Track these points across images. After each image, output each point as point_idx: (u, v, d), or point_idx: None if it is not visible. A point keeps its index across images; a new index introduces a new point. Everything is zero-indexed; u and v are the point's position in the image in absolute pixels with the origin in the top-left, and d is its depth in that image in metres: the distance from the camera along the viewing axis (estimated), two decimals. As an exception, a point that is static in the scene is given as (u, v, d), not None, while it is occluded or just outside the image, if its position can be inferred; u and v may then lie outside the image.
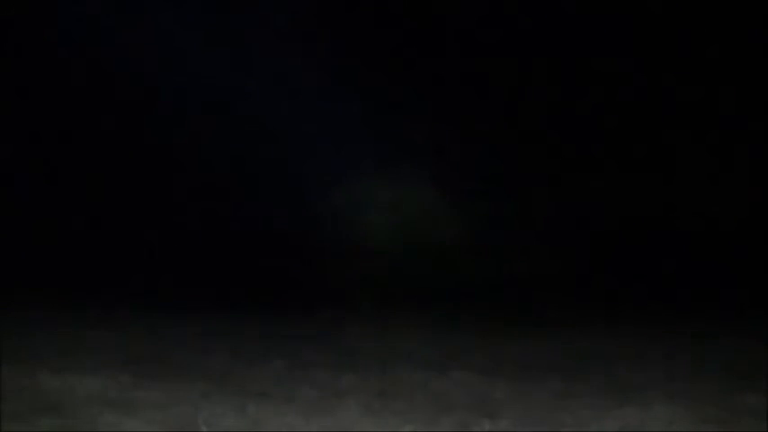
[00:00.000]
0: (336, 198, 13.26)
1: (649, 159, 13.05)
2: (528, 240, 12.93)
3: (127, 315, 8.02)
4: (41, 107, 12.67)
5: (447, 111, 12.88)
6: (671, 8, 12.02)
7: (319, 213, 13.26)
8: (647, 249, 12.55)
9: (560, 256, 12.64)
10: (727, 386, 4.88)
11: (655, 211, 12.79)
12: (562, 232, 12.91)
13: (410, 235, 13.02)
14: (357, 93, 12.48)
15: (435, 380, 4.99)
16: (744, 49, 12.03)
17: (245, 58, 12.66)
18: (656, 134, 13.01)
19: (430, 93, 12.74)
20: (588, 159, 13.10)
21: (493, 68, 12.72)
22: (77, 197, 12.64)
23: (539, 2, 12.73)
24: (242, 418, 3.88)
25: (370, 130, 12.53)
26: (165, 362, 5.37)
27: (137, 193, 12.86)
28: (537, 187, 13.23)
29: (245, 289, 11.45)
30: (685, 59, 12.29)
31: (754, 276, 11.16)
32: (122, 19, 12.20)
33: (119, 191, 12.85)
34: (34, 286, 10.15)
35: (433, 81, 12.76)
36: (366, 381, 4.89)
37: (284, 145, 12.80)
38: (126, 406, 4.03)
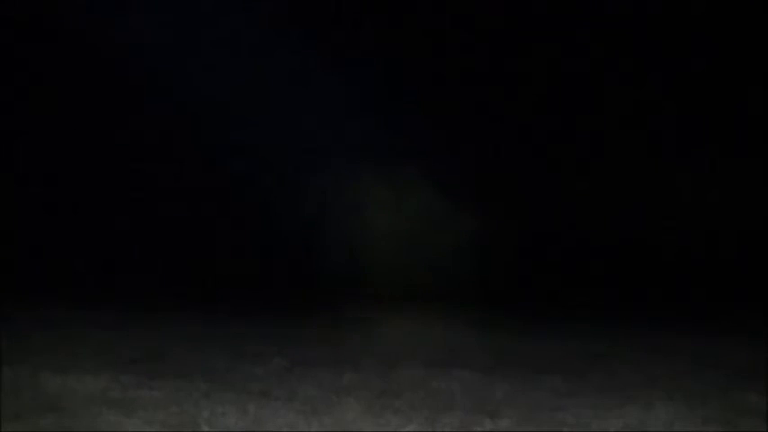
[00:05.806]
0: (335, 197, 13.25)
1: (648, 162, 13.05)
2: (527, 241, 12.94)
3: (127, 315, 8.01)
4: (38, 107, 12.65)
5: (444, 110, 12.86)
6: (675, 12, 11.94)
7: (318, 213, 13.25)
8: (645, 249, 12.55)
9: (560, 257, 12.64)
10: (728, 385, 4.88)
11: (653, 212, 12.80)
12: (560, 234, 12.91)
13: (409, 234, 13.02)
14: (357, 93, 12.48)
15: (436, 379, 4.98)
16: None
17: (243, 55, 12.63)
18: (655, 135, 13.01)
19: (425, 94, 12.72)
20: (587, 162, 13.09)
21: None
22: (77, 196, 12.63)
23: (538, 5, 12.71)
24: (243, 418, 3.87)
25: (371, 129, 12.52)
26: (166, 361, 5.37)
27: (137, 193, 12.84)
28: (536, 190, 13.21)
29: (246, 288, 11.45)
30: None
31: (754, 276, 11.18)
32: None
33: (118, 189, 12.83)
34: (34, 286, 10.16)
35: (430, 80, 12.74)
36: (367, 380, 4.89)
37: (284, 145, 12.79)
38: (127, 406, 4.02)
